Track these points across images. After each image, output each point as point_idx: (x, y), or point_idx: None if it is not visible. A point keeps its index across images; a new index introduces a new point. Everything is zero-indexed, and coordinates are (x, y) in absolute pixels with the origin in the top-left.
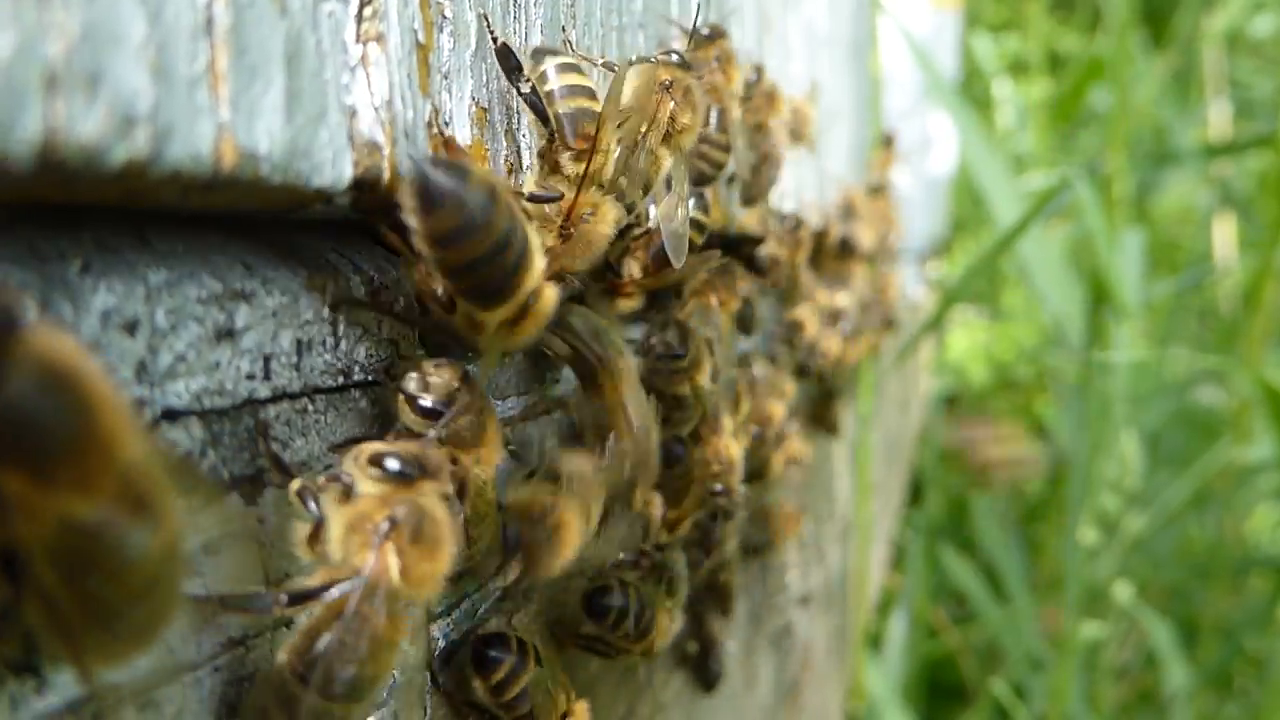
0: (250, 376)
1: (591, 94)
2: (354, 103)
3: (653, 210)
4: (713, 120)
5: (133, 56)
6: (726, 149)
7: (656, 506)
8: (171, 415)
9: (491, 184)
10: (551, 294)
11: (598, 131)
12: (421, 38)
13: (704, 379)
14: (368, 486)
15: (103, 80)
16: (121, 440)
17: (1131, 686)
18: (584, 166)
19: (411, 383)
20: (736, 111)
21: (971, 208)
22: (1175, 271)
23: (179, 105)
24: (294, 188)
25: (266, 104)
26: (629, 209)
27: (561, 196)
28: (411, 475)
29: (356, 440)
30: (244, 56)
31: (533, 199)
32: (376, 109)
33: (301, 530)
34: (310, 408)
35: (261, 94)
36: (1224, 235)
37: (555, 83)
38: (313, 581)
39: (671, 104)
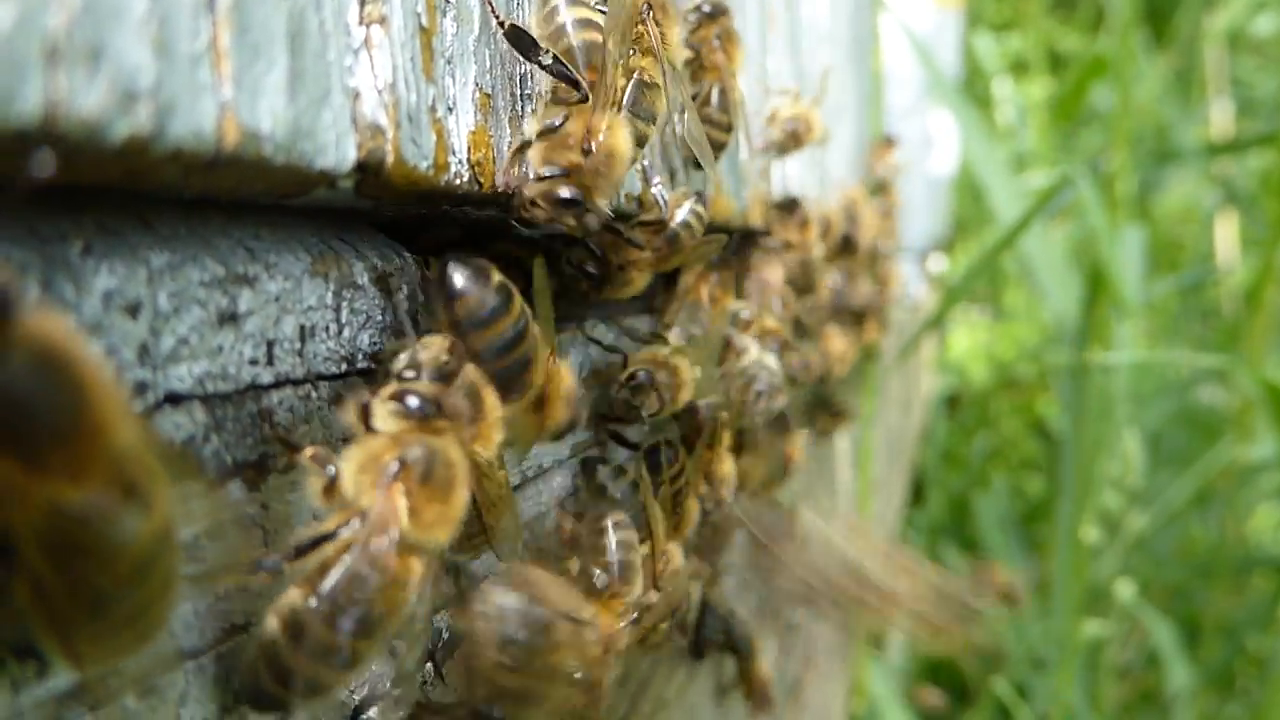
0: (253, 362)
1: (599, 26)
2: (357, 85)
3: (662, 197)
4: (714, 100)
5: (134, 31)
6: (728, 129)
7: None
8: (174, 399)
9: (506, 284)
10: (566, 372)
11: (604, 59)
12: (425, 21)
13: (680, 405)
14: (384, 423)
15: (104, 54)
16: (114, 427)
17: (1134, 686)
18: (597, 94)
19: (400, 363)
20: (740, 91)
21: (973, 207)
22: (1177, 270)
23: (181, 82)
24: (297, 169)
25: (269, 83)
26: (641, 143)
27: (565, 121)
28: (428, 414)
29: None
30: (246, 35)
31: (539, 136)
32: (380, 92)
33: (317, 483)
34: (313, 394)
35: (264, 73)
36: (1226, 234)
37: (567, 16)
38: (319, 528)
39: (656, 27)
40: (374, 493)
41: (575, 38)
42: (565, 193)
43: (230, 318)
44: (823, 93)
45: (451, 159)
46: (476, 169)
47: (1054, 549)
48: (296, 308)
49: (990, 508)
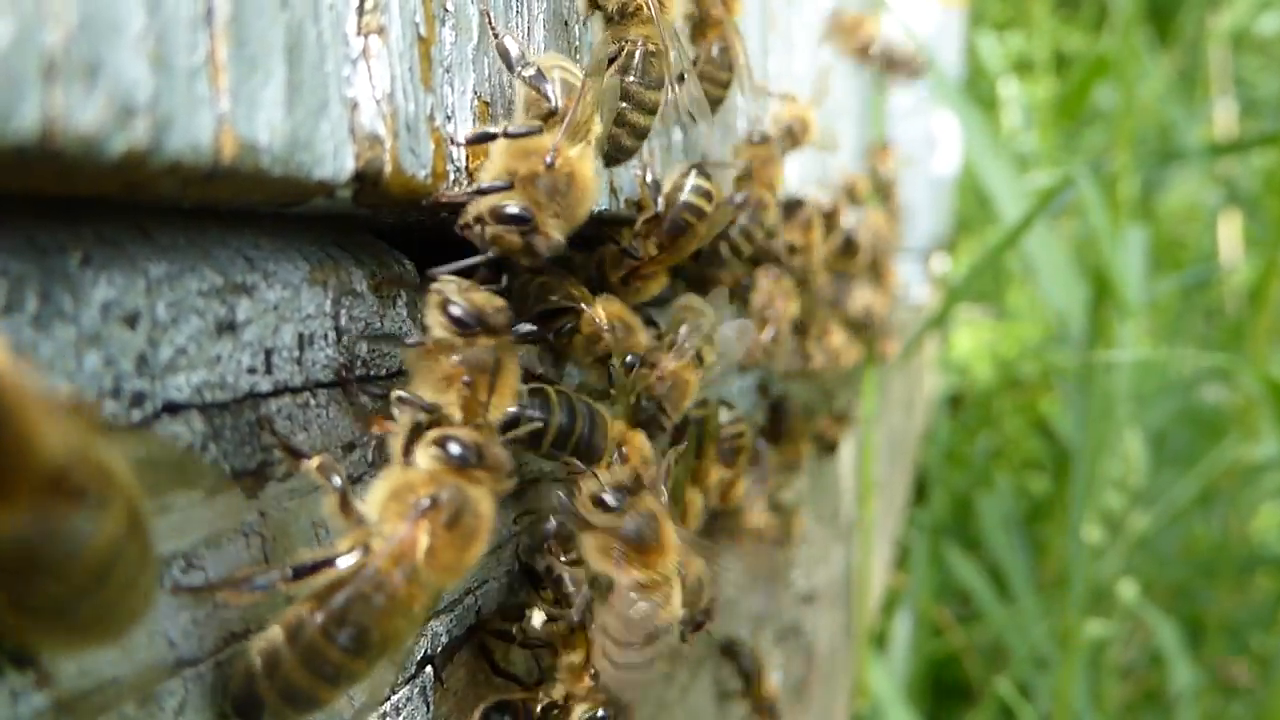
0: (251, 370)
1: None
2: (355, 95)
3: (655, 188)
4: (715, 54)
5: (132, 46)
6: (726, 85)
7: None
8: (172, 409)
9: (546, 393)
10: (641, 438)
11: (580, 89)
12: (423, 31)
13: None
14: (424, 460)
15: (102, 70)
16: (40, 437)
17: (1137, 686)
18: (569, 117)
19: (450, 286)
20: (741, 45)
21: (977, 208)
22: (1181, 270)
23: (179, 96)
24: (295, 180)
25: (267, 96)
26: (652, 110)
27: (540, 130)
28: (469, 461)
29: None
30: (244, 48)
31: (508, 135)
32: (378, 101)
33: (332, 500)
34: (312, 402)
35: (262, 85)
36: (1229, 233)
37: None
38: (326, 551)
39: None
40: (398, 523)
41: (554, 75)
42: (513, 208)
43: (229, 327)
44: (822, 92)
45: (450, 168)
46: (475, 177)
47: (1057, 549)
48: (295, 316)
49: (993, 507)
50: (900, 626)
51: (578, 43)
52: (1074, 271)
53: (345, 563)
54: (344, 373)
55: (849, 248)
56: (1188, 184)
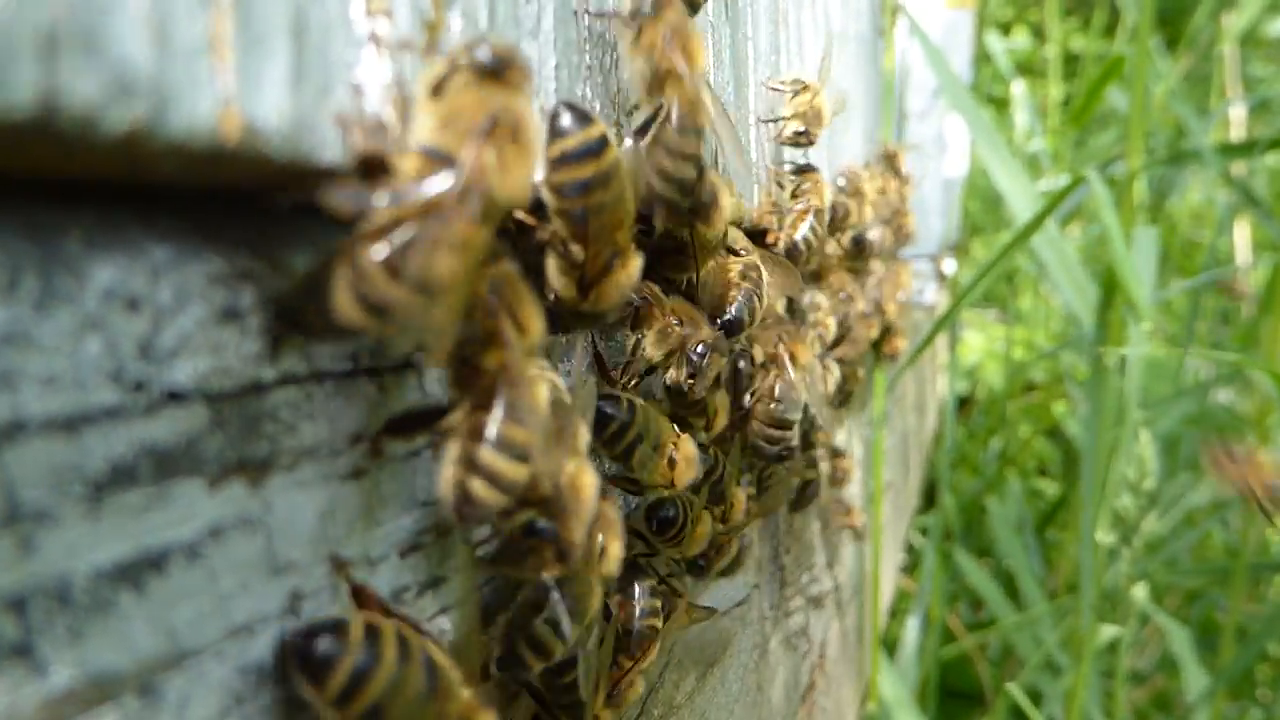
0: (257, 359)
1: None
2: (361, 79)
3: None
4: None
5: (132, 19)
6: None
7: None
8: (175, 396)
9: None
10: (689, 442)
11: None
12: (430, 15)
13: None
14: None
15: (102, 42)
16: None
17: (1149, 691)
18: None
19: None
20: (709, 100)
21: (987, 212)
22: (1194, 273)
23: (180, 73)
24: (300, 164)
25: (271, 76)
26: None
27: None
28: (500, 69)
29: None
30: (248, 26)
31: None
32: (384, 86)
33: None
34: (317, 393)
35: (266, 66)
36: (1243, 236)
37: None
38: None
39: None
40: (464, 150)
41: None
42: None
43: (233, 314)
44: (825, 75)
45: None
46: None
47: (1069, 553)
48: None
49: (1004, 511)
50: (910, 630)
51: (586, 33)
52: (1085, 273)
53: (427, 188)
54: None
55: (859, 247)
56: (1200, 186)
